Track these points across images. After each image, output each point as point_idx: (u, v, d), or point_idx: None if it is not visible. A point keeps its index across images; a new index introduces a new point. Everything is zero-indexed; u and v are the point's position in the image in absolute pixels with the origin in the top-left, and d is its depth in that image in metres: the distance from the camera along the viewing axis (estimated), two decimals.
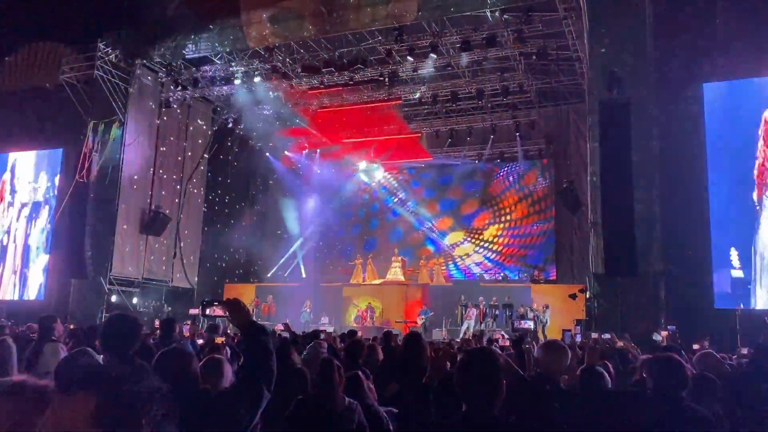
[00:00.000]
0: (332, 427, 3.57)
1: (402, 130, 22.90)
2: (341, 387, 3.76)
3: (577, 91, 19.61)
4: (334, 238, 25.73)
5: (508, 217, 23.32)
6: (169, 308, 21.22)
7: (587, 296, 16.07)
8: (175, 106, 21.62)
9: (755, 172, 16.35)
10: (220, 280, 23.49)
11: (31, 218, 23.14)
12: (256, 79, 20.08)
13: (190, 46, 19.36)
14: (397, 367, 5.11)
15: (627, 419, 3.06)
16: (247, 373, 2.48)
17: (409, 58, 18.18)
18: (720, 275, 16.25)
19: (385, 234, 25.05)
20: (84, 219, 19.00)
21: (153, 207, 20.78)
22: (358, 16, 17.20)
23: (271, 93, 20.89)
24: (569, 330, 14.16)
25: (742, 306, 15.60)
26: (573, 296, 16.88)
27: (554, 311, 17.79)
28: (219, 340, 9.15)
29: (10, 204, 23.56)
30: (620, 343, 8.79)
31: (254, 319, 2.79)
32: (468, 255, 23.57)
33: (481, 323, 18.18)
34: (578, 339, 11.81)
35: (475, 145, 22.96)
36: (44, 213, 22.78)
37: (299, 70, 19.77)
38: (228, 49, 19.55)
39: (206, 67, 20.53)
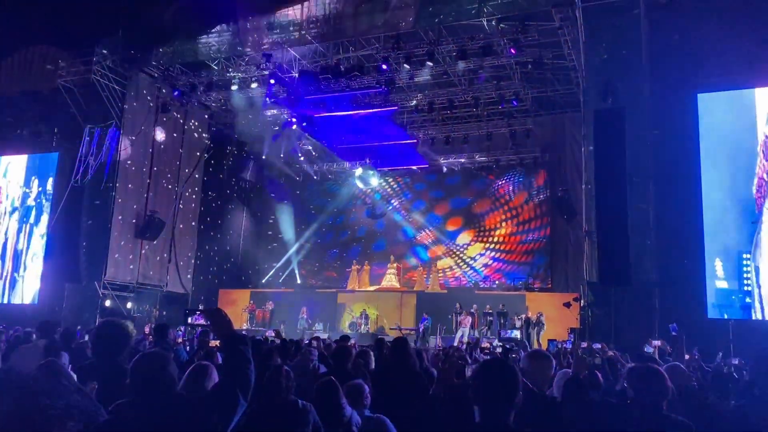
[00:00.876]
0: (284, 427, 3.71)
1: (398, 137, 22.94)
2: (290, 391, 3.92)
3: (572, 100, 19.69)
4: (329, 244, 25.73)
5: (504, 225, 23.35)
6: (164, 313, 21.18)
7: (581, 305, 16.10)
8: (171, 111, 21.65)
9: (754, 186, 16.41)
10: (215, 285, 23.47)
11: (22, 223, 23.12)
12: (253, 85, 20.13)
13: (187, 51, 19.41)
14: (390, 374, 5.12)
15: (609, 429, 3.09)
16: (225, 381, 2.53)
17: (405, 65, 18.25)
18: (713, 285, 16.33)
19: (380, 240, 25.05)
20: (79, 223, 18.98)
21: (148, 212, 20.77)
22: (355, 24, 17.29)
23: (267, 99, 20.91)
24: (554, 340, 14.23)
25: (726, 316, 15.72)
26: (567, 305, 16.90)
27: (548, 320, 17.79)
28: (213, 343, 9.16)
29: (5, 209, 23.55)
30: (611, 353, 8.81)
31: (237, 327, 2.83)
32: (472, 258, 23.48)
33: (475, 330, 18.20)
34: (569, 346, 11.84)
35: (471, 153, 23.01)
36: (40, 218, 22.74)
37: (297, 76, 19.81)
38: (225, 56, 19.60)
39: (203, 73, 20.57)
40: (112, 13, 19.86)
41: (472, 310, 18.80)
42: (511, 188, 23.47)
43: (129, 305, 20.14)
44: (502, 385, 2.34)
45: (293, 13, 18.16)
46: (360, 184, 25.11)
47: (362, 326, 19.80)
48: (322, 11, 17.62)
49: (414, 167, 24.32)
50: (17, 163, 23.77)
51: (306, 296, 22.00)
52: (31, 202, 23.18)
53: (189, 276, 23.07)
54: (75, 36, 20.41)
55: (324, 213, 25.77)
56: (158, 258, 21.77)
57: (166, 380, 2.57)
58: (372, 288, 22.31)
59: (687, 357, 9.52)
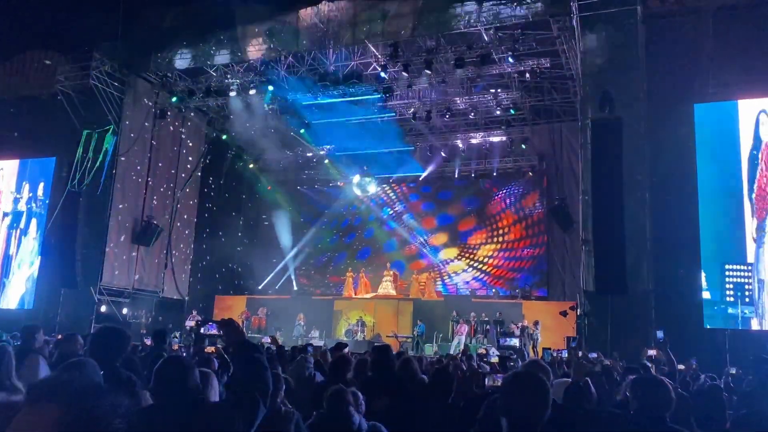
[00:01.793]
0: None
1: (396, 145, 22.98)
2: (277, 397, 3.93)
3: (569, 110, 19.77)
4: (326, 251, 25.70)
5: (502, 238, 23.37)
6: (160, 318, 21.10)
7: (578, 314, 16.10)
8: (169, 116, 21.63)
9: (754, 195, 16.49)
10: (211, 291, 23.39)
11: (12, 228, 23.06)
12: (251, 92, 20.14)
13: (185, 57, 19.43)
14: (389, 381, 5.10)
15: None
16: (245, 387, 2.54)
17: (404, 73, 18.29)
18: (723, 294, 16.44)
19: (376, 247, 25.03)
20: (75, 228, 18.93)
21: (145, 217, 20.73)
22: (353, 32, 17.34)
23: (265, 105, 20.93)
24: (549, 348, 14.21)
25: (708, 326, 15.84)
26: (564, 313, 16.90)
27: (545, 328, 17.78)
28: (209, 349, 9.13)
29: None
30: (607, 362, 8.81)
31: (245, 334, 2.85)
32: (456, 273, 23.55)
33: (472, 339, 18.18)
34: (564, 354, 11.83)
35: (468, 161, 23.05)
36: (30, 223, 22.71)
37: (295, 83, 19.85)
38: (224, 62, 19.62)
39: (201, 79, 20.58)
40: (110, 18, 19.89)
41: (469, 318, 18.78)
42: (509, 195, 23.50)
43: (125, 311, 20.05)
44: (533, 398, 2.30)
45: (292, 20, 18.21)
46: (357, 192, 25.11)
47: (358, 333, 19.73)
48: (320, 19, 17.67)
49: (411, 175, 24.33)
50: (8, 168, 23.72)
51: (302, 303, 21.94)
52: (21, 207, 23.13)
53: (185, 282, 23.00)
54: (73, 41, 20.44)
55: (321, 220, 25.75)
56: (154, 263, 21.71)
57: (189, 386, 2.59)
58: (369, 295, 22.27)
59: (682, 367, 9.50)
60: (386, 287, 22.10)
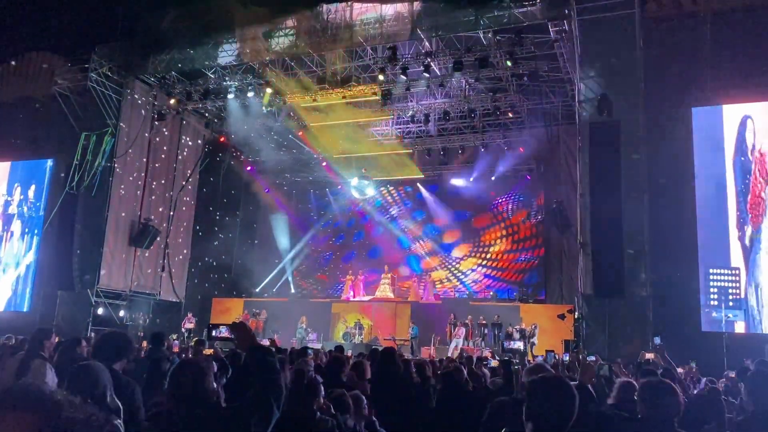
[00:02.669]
0: None
1: (394, 147, 22.99)
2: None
3: (567, 112, 19.79)
4: (324, 253, 25.68)
5: (499, 241, 23.40)
6: (157, 321, 21.05)
7: (575, 317, 16.11)
8: (167, 118, 21.59)
9: (748, 203, 16.52)
10: (209, 294, 23.35)
11: (4, 231, 22.98)
12: (250, 94, 20.12)
13: (184, 59, 19.40)
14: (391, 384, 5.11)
15: None
16: (259, 391, 2.56)
17: (402, 76, 18.30)
18: (707, 298, 16.44)
19: (374, 250, 25.03)
20: (72, 230, 18.87)
21: (142, 219, 20.68)
22: (352, 35, 17.34)
23: (264, 108, 20.91)
24: (552, 351, 14.19)
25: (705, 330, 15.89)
26: (561, 317, 16.92)
27: (542, 331, 17.78)
28: (207, 351, 9.11)
29: None
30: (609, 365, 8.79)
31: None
32: (463, 273, 23.54)
33: (469, 342, 18.18)
34: (566, 357, 11.83)
35: (466, 164, 23.07)
36: (21, 226, 22.64)
37: (293, 85, 19.84)
38: (222, 64, 19.61)
39: (199, 81, 20.55)
40: (108, 20, 19.90)
41: (467, 321, 18.79)
42: (505, 199, 23.53)
43: (122, 313, 19.99)
44: (559, 403, 2.27)
45: (290, 22, 18.21)
46: (356, 194, 25.11)
47: (356, 336, 19.72)
48: (319, 21, 17.66)
49: (409, 177, 24.33)
50: (0, 170, 23.63)
51: (300, 306, 21.91)
52: (13, 210, 23.03)
53: (182, 284, 22.95)
54: (72, 43, 20.42)
55: (319, 222, 25.74)
56: (152, 266, 21.65)
57: (204, 390, 2.60)
58: (366, 298, 22.26)
59: (682, 370, 9.52)
60: (384, 290, 22.10)
